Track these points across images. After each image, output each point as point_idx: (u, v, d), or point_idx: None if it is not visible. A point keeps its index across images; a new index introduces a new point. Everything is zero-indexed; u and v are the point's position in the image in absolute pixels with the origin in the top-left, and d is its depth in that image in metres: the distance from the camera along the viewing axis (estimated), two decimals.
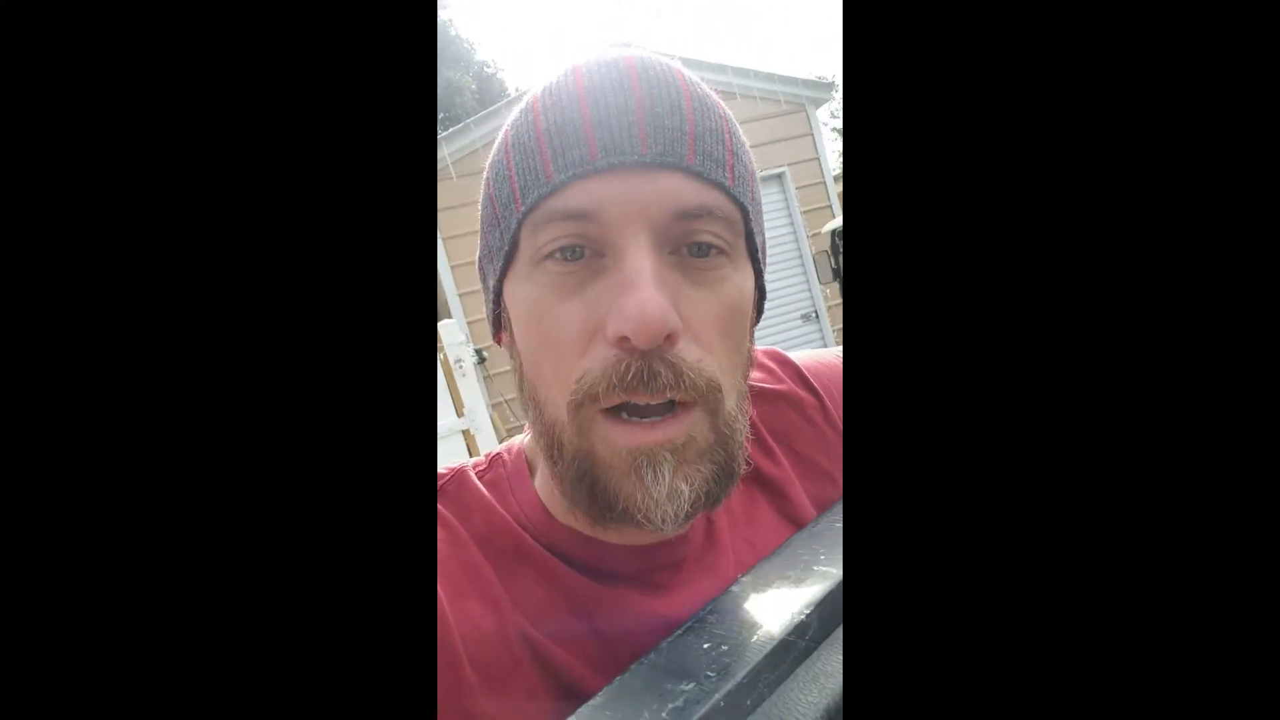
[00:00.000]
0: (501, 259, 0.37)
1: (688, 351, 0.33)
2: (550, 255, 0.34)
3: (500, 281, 0.37)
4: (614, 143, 0.33)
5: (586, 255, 0.34)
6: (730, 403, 0.35)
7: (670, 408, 0.33)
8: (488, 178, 0.38)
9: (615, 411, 0.33)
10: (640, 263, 0.32)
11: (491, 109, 4.32)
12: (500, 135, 0.38)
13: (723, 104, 0.38)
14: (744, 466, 0.36)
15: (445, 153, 4.05)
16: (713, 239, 0.34)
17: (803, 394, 0.50)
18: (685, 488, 0.33)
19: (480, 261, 0.41)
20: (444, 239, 4.14)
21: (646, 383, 0.32)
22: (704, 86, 0.37)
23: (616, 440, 0.33)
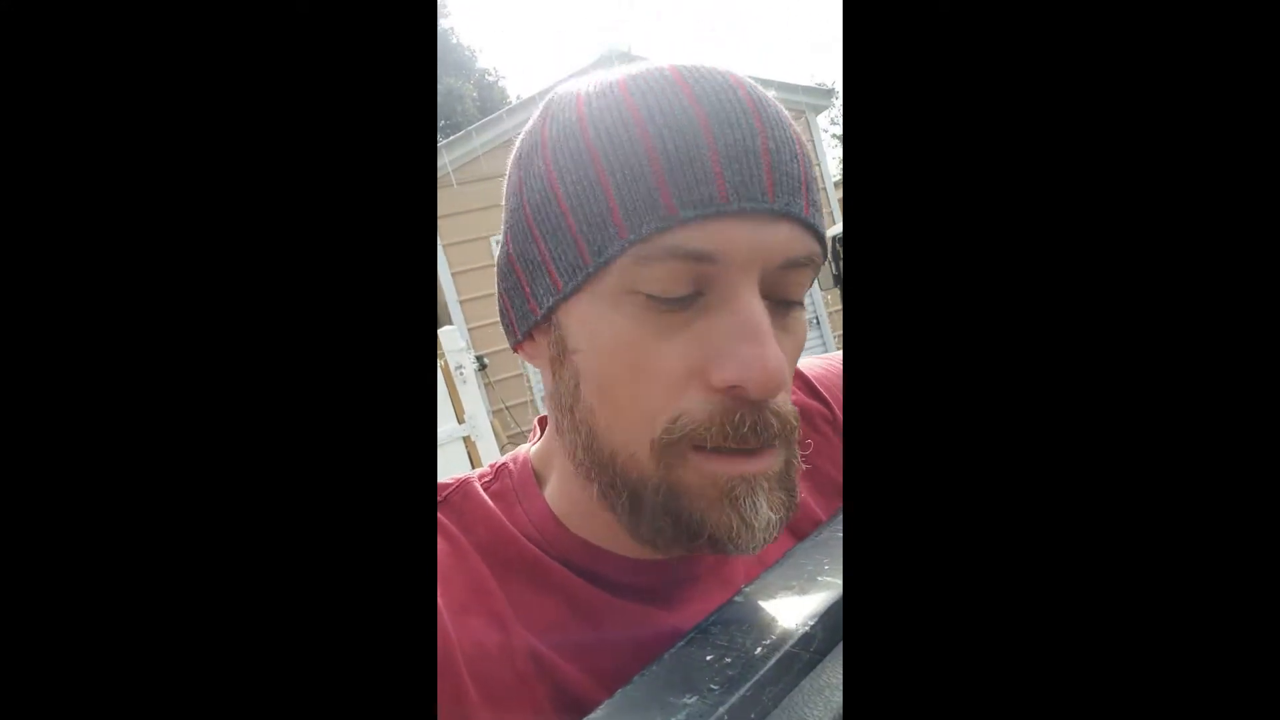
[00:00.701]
0: (575, 279, 0.34)
1: (784, 399, 0.34)
2: (652, 293, 0.32)
3: (561, 298, 0.35)
4: (745, 187, 0.31)
5: (689, 297, 0.32)
6: (796, 435, 0.36)
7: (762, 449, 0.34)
8: (551, 177, 0.34)
9: (708, 448, 0.33)
10: (758, 310, 0.32)
11: (492, 116, 4.33)
12: (571, 130, 0.34)
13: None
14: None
15: (446, 160, 4.06)
16: (798, 292, 0.35)
17: (811, 403, 0.50)
18: (775, 517, 0.34)
19: (513, 261, 0.37)
20: (445, 246, 4.14)
21: (760, 434, 0.32)
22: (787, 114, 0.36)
23: (713, 470, 0.33)
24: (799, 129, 0.36)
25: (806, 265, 0.34)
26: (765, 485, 0.33)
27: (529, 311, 0.37)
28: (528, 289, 0.36)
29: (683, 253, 0.31)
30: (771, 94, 0.35)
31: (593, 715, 0.28)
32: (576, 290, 0.34)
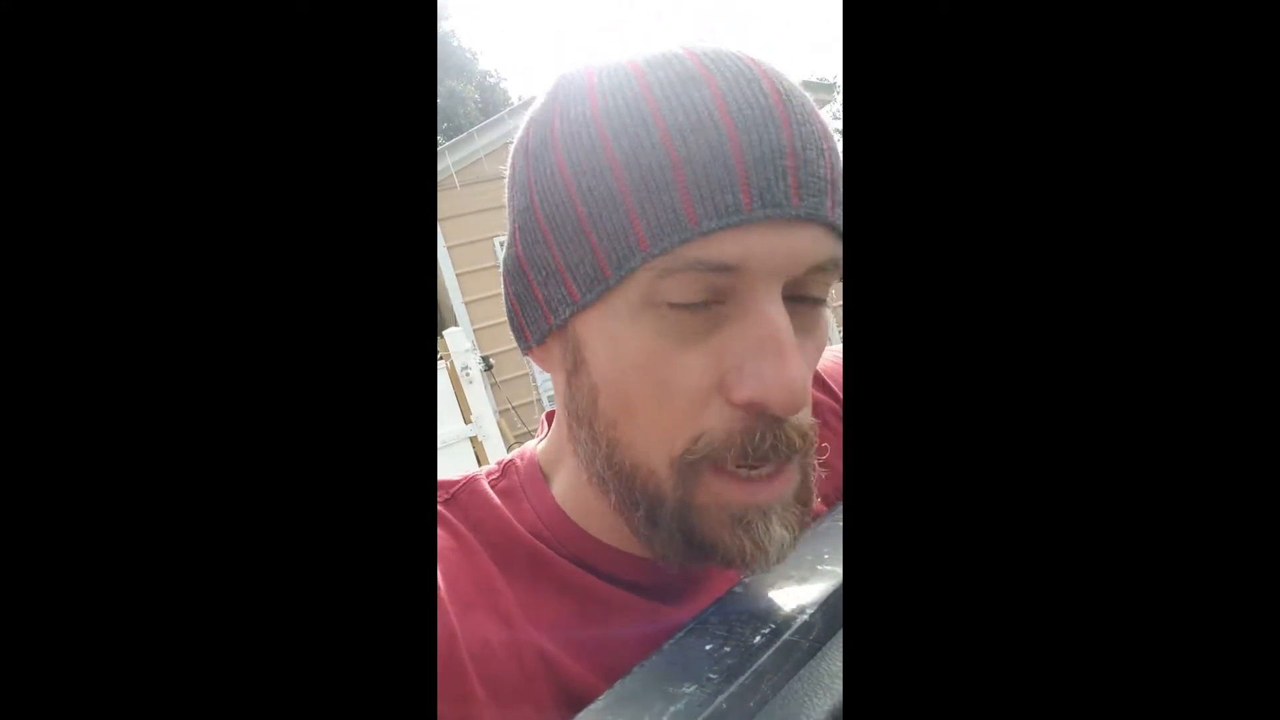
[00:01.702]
0: (594, 291, 0.32)
1: (805, 411, 0.32)
2: (672, 300, 0.31)
3: (578, 309, 0.34)
4: (770, 193, 0.30)
5: (709, 304, 0.31)
6: (813, 439, 0.34)
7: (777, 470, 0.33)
8: (566, 180, 0.32)
9: (727, 468, 0.32)
10: (780, 322, 0.30)
11: (495, 118, 4.34)
12: (585, 128, 0.32)
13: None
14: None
15: (449, 162, 4.07)
16: (823, 291, 0.33)
17: (822, 397, 0.49)
18: (788, 535, 0.33)
19: (523, 264, 0.36)
20: (449, 247, 4.15)
21: (780, 451, 0.32)
22: (814, 103, 0.34)
23: (729, 497, 0.32)
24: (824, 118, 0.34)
25: (831, 268, 0.33)
26: (779, 508, 0.33)
27: (542, 318, 0.36)
28: (540, 295, 0.35)
29: (704, 264, 0.30)
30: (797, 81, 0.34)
31: (593, 705, 0.28)
32: (596, 301, 0.33)
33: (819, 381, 0.49)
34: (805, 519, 0.35)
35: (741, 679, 0.27)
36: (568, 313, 0.34)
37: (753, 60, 0.32)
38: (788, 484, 0.33)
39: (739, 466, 0.32)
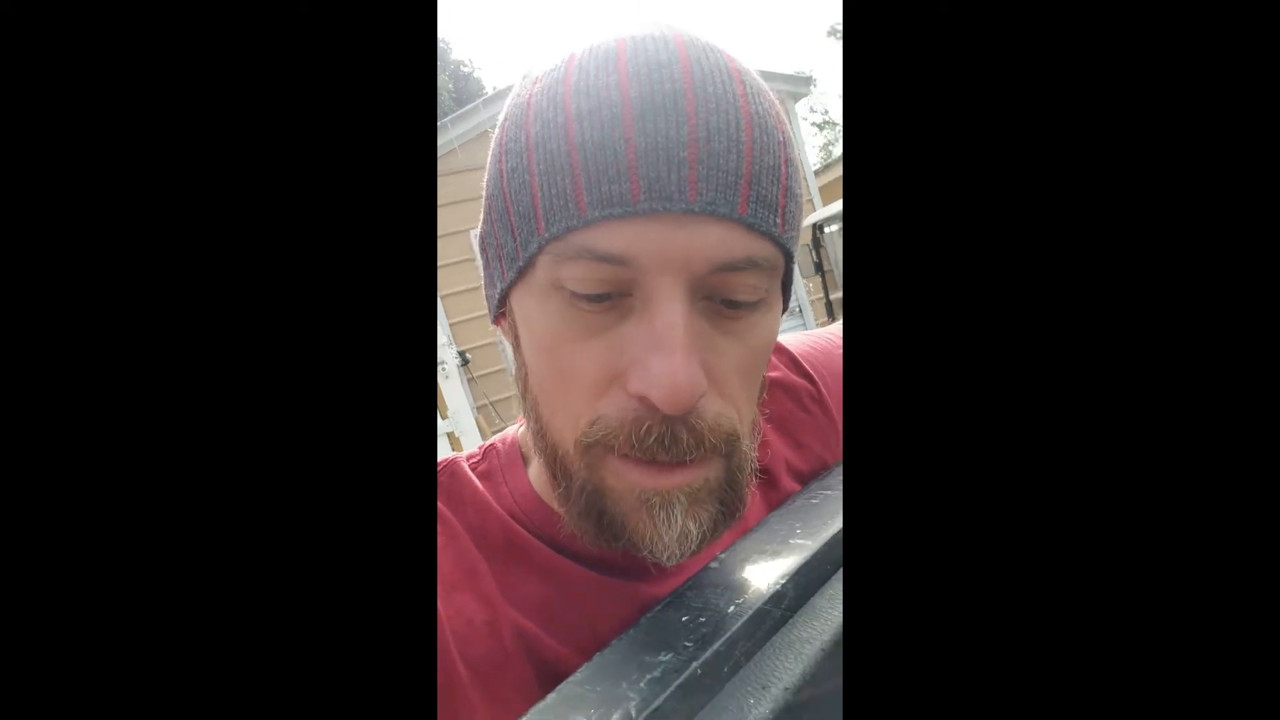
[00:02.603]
0: (513, 269, 0.34)
1: (709, 407, 0.31)
2: (575, 290, 0.31)
3: (509, 288, 0.35)
4: (661, 185, 0.29)
5: (613, 296, 0.31)
6: (745, 444, 0.34)
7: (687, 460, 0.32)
8: (503, 165, 0.33)
9: (622, 454, 0.32)
10: (673, 319, 0.30)
11: (468, 108, 4.30)
12: (523, 112, 0.32)
13: (780, 112, 0.33)
14: (749, 498, 0.35)
15: None
16: (749, 294, 0.32)
17: (798, 380, 0.49)
18: (694, 528, 0.32)
19: (483, 239, 0.37)
20: None
21: (667, 447, 0.31)
22: (763, 90, 0.33)
23: (632, 479, 0.32)
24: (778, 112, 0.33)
25: (748, 268, 0.31)
26: (683, 499, 0.32)
27: (493, 293, 0.38)
28: (491, 269, 0.37)
29: (592, 254, 0.30)
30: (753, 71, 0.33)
31: (572, 678, 0.29)
32: (517, 280, 0.34)
33: (795, 365, 0.50)
34: (726, 519, 0.34)
35: (715, 645, 0.28)
36: (500, 288, 0.36)
37: (683, 43, 0.31)
38: (694, 476, 0.32)
39: (637, 454, 0.32)
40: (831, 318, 4.99)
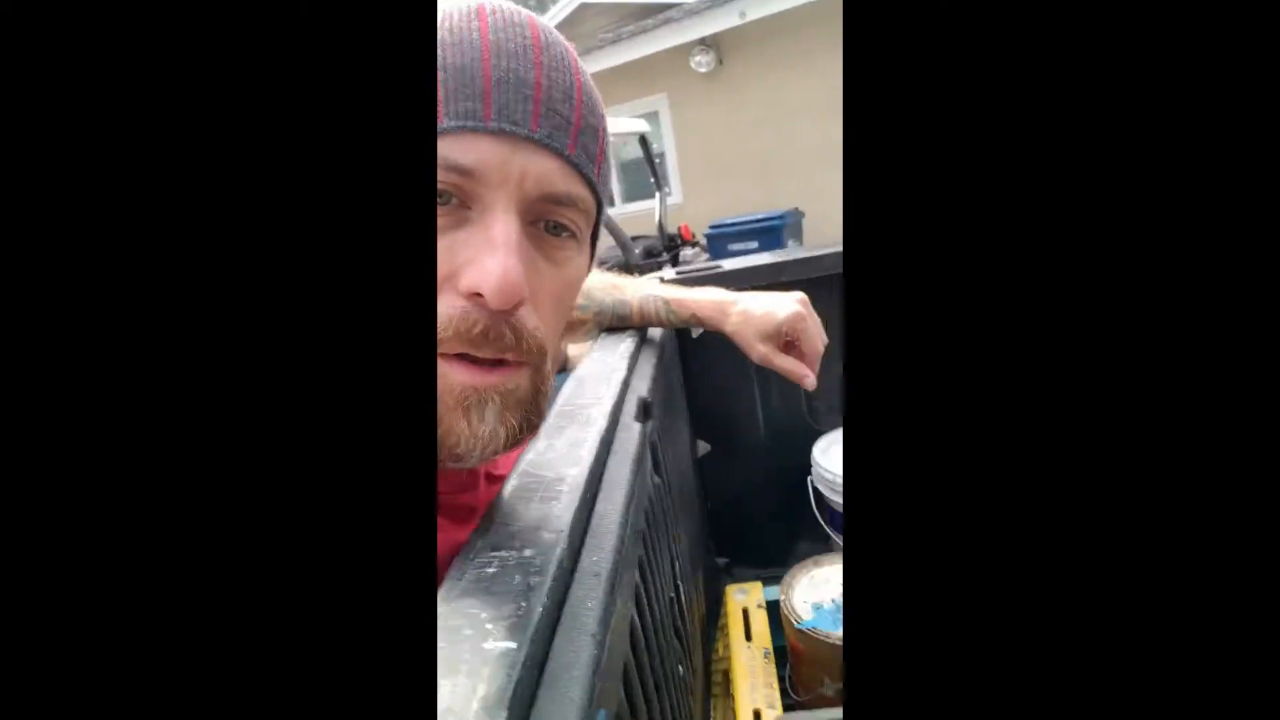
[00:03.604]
0: None
1: (528, 318, 0.36)
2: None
3: None
4: (510, 110, 0.35)
5: (454, 203, 0.35)
6: (548, 366, 0.39)
7: (501, 363, 0.36)
8: None
9: (451, 355, 0.35)
10: (508, 228, 0.34)
11: None
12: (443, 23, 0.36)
13: (601, 102, 0.40)
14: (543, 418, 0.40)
15: None
16: (569, 224, 0.38)
17: None
18: (503, 431, 0.36)
19: None
20: None
21: (491, 341, 0.35)
22: (592, 84, 0.40)
23: (452, 377, 0.35)
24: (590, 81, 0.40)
25: (569, 205, 0.37)
26: (497, 400, 0.36)
27: None
28: None
29: (447, 163, 0.34)
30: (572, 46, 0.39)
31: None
32: None
33: None
34: (526, 430, 0.38)
35: (541, 595, 0.30)
36: None
37: (533, 18, 0.38)
38: (509, 378, 0.36)
39: (460, 354, 0.35)
40: None
